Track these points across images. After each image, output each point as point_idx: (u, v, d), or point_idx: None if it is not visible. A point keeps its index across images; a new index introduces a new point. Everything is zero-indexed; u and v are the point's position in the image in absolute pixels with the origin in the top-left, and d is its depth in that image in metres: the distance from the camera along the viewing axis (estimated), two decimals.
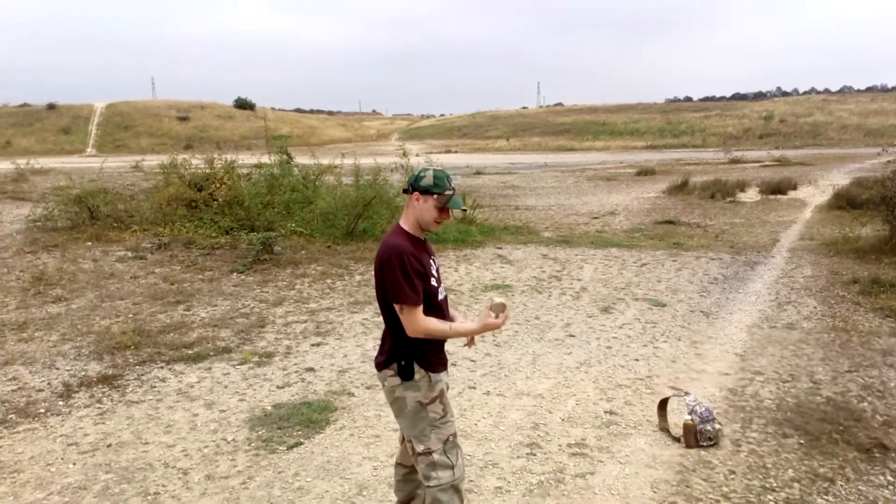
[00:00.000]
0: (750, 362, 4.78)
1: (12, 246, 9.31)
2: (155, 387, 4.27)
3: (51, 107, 69.90)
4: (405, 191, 2.36)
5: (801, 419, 3.75)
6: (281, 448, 3.39)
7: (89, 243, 9.57)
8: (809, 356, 4.88)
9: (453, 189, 2.35)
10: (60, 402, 4.01)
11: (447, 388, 2.44)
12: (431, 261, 2.40)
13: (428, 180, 2.31)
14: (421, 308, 2.25)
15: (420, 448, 2.34)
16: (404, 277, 2.23)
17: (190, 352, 4.94)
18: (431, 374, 2.35)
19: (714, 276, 7.69)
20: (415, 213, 2.33)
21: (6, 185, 19.60)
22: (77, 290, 6.89)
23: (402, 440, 2.50)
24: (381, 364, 2.39)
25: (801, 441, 3.49)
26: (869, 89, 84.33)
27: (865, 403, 3.99)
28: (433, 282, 2.34)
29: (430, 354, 2.36)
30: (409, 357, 2.34)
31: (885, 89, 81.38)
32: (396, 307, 2.26)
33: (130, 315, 5.97)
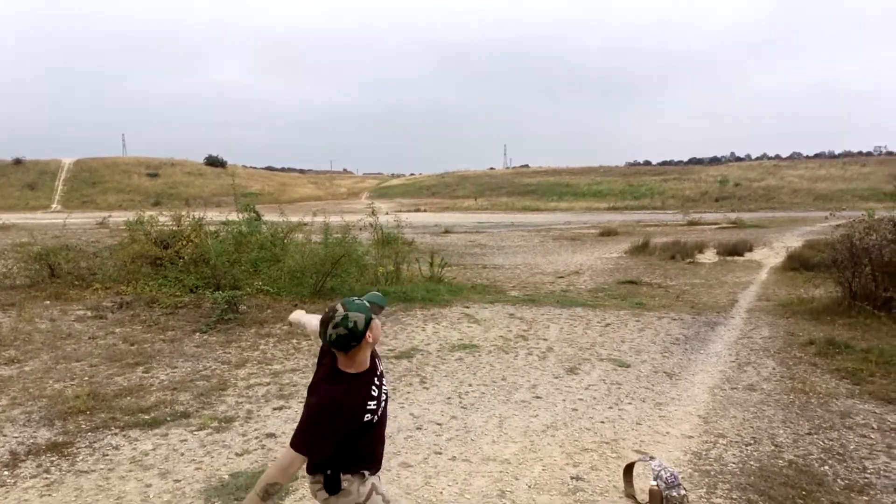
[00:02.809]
0: (713, 424, 4.83)
1: None
2: (107, 455, 4.09)
3: (17, 162, 68.82)
4: (350, 346, 2.14)
5: (764, 484, 3.78)
6: None
7: (48, 302, 9.30)
8: (770, 418, 4.95)
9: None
10: (6, 472, 3.81)
11: (378, 480, 2.34)
12: None
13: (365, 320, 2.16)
14: None
15: None
16: (310, 422, 2.25)
17: (146, 417, 4.77)
18: (361, 475, 2.26)
19: (676, 336, 7.82)
20: (370, 346, 2.34)
21: None
22: (31, 352, 6.65)
23: None
24: (308, 468, 2.24)
25: None
26: (817, 156, 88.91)
27: (826, 467, 4.05)
28: None
29: (358, 463, 2.25)
30: (335, 467, 2.23)
31: (832, 156, 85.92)
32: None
33: (86, 378, 5.77)
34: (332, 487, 2.21)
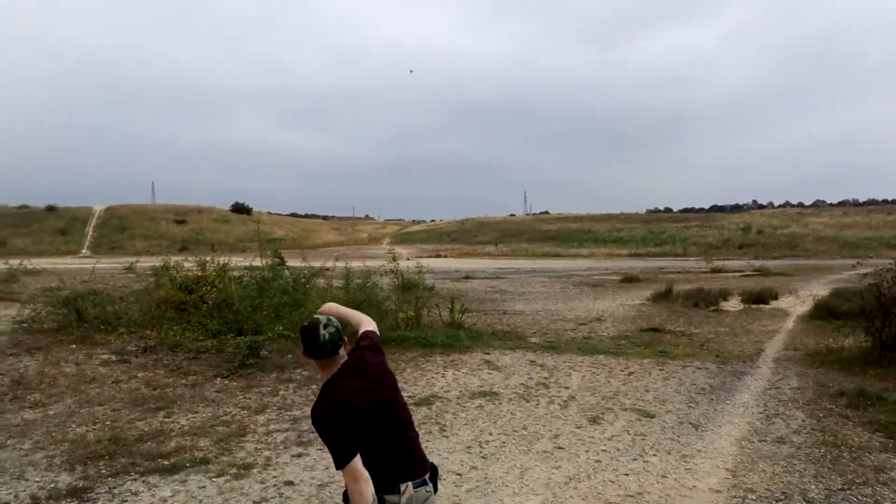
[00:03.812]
0: (741, 478, 4.69)
1: None
2: (126, 501, 4.09)
3: (50, 209, 71.02)
4: (338, 345, 2.34)
5: None
6: None
7: (74, 346, 9.44)
8: (801, 472, 4.79)
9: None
10: None
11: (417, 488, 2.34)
12: None
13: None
14: None
15: None
16: None
17: (166, 462, 4.78)
18: (397, 490, 2.29)
19: (701, 385, 7.66)
20: None
21: None
22: (56, 395, 6.73)
23: None
24: (424, 480, 2.32)
25: None
26: (841, 203, 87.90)
27: None
28: None
29: (390, 475, 2.31)
30: (377, 489, 2.26)
31: (856, 203, 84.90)
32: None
33: (108, 422, 5.81)
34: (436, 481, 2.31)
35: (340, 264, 12.57)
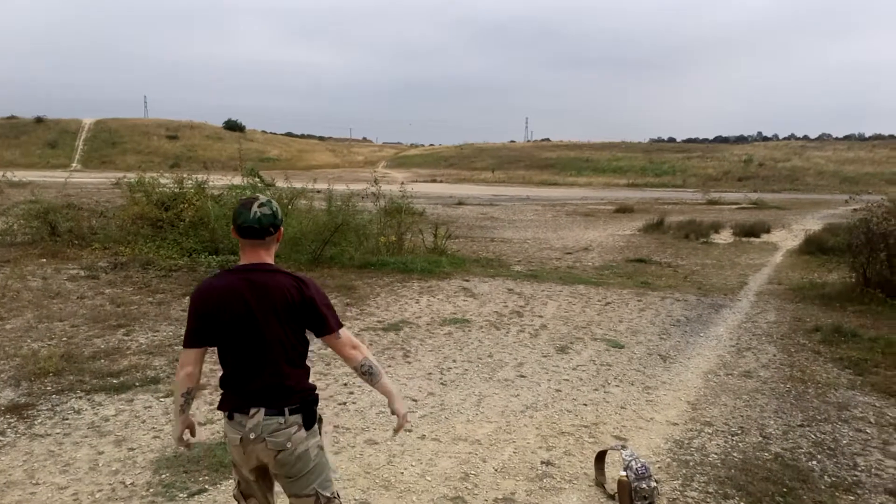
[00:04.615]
0: (701, 412, 4.61)
1: None
2: (66, 419, 3.99)
3: (38, 120, 69.31)
4: (269, 231, 2.10)
5: (745, 478, 3.56)
6: (181, 495, 3.13)
7: (44, 260, 9.27)
8: (763, 407, 4.71)
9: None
10: None
11: None
12: None
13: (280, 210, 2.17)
14: None
15: (327, 494, 2.15)
16: (330, 303, 2.19)
17: (115, 381, 4.67)
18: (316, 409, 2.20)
19: (677, 317, 7.56)
20: (275, 249, 2.18)
21: None
22: (16, 310, 6.59)
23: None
24: (280, 411, 2.04)
25: (742, 503, 3.30)
26: (847, 137, 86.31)
27: (815, 462, 3.82)
28: None
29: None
30: (314, 400, 2.16)
31: (861, 138, 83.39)
32: (333, 334, 2.12)
33: (64, 338, 5.69)
34: (311, 420, 2.12)
35: (323, 185, 12.20)
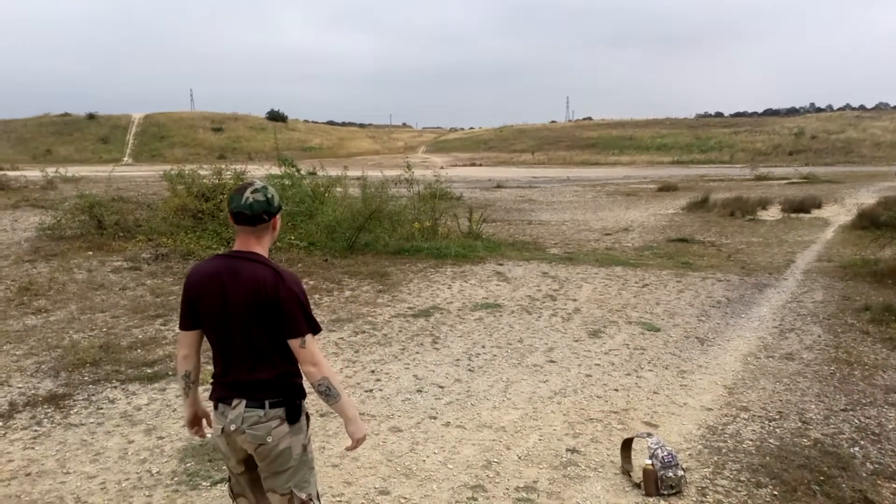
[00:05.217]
0: (738, 396, 4.44)
1: (14, 254, 9.37)
2: (101, 409, 4.11)
3: (91, 116, 71.85)
4: (262, 218, 2.01)
5: (780, 465, 3.41)
6: (204, 484, 3.18)
7: (91, 253, 9.59)
8: (804, 391, 4.51)
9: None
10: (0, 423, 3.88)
11: None
12: None
13: (278, 198, 2.08)
14: None
15: (303, 496, 2.11)
16: (308, 305, 2.03)
17: (149, 371, 4.78)
18: (304, 407, 2.13)
19: (718, 298, 7.31)
20: (272, 239, 2.11)
21: (34, 192, 19.98)
22: (61, 302, 6.83)
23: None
24: (260, 404, 1.98)
25: (776, 492, 3.15)
26: None
27: (857, 448, 3.63)
28: None
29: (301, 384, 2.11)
30: (298, 394, 2.09)
31: None
32: (298, 340, 1.99)
33: (104, 329, 5.87)
34: (294, 415, 2.06)
35: (356, 173, 12.26)
